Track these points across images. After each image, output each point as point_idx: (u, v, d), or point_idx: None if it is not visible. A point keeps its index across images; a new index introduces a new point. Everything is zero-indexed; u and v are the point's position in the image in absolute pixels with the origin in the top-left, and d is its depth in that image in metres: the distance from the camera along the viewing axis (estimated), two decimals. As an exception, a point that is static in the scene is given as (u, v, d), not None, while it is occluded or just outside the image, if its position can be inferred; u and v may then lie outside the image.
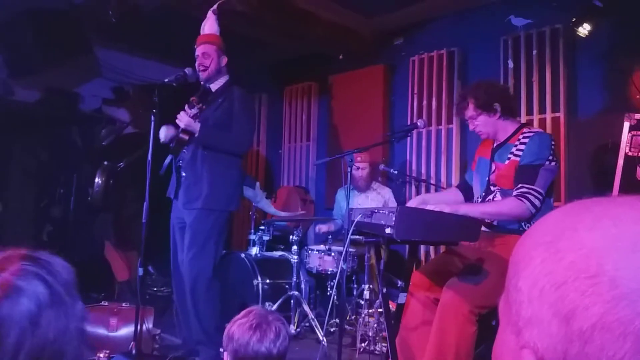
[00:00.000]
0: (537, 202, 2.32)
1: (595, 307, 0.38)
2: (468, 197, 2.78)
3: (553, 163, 2.39)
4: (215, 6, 3.39)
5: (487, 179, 2.60)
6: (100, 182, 4.72)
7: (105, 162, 4.78)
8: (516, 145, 2.48)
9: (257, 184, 4.58)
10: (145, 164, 3.09)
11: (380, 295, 2.47)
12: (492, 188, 2.56)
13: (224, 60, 3.31)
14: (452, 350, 2.20)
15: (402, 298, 2.39)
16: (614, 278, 0.38)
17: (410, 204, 2.65)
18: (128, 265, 4.91)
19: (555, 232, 0.44)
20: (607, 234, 0.40)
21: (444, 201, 2.63)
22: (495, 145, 2.65)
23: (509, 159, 2.49)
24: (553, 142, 2.44)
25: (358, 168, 4.33)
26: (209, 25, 3.35)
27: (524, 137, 2.48)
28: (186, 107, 3.20)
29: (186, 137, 3.16)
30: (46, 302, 0.76)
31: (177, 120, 3.16)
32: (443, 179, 4.67)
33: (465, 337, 2.21)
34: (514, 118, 2.64)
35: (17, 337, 0.72)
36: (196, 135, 3.13)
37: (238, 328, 1.59)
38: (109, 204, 4.81)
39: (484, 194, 2.61)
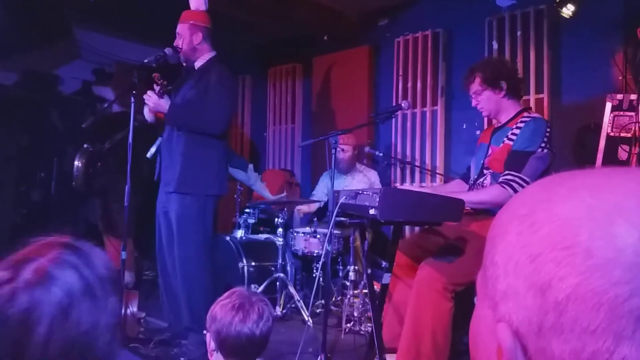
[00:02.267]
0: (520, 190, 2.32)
1: (569, 278, 0.38)
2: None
3: (545, 151, 2.37)
4: None
5: (482, 162, 2.60)
6: (80, 165, 4.63)
7: (85, 145, 4.68)
8: (512, 129, 2.48)
9: (251, 166, 4.48)
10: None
11: (364, 276, 2.48)
12: (484, 171, 2.56)
13: (198, 37, 3.14)
14: (428, 326, 2.23)
15: (386, 278, 2.40)
16: (589, 248, 0.38)
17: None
18: (118, 251, 4.85)
19: (531, 204, 0.43)
20: (582, 205, 0.40)
21: (444, 191, 2.63)
22: (494, 128, 2.65)
23: (503, 142, 2.48)
24: (549, 129, 2.41)
25: (342, 150, 4.32)
26: (193, 1, 3.25)
27: (521, 122, 2.47)
28: (154, 86, 3.06)
29: (161, 117, 3.10)
30: (78, 294, 0.75)
31: (145, 101, 3.06)
32: (428, 160, 4.69)
33: (441, 313, 2.23)
34: (518, 100, 2.63)
35: (48, 326, 0.71)
36: (165, 114, 3.03)
37: (221, 309, 1.59)
38: (94, 188, 4.72)
39: (476, 177, 2.62)
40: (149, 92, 3.04)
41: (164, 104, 3.02)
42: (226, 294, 1.67)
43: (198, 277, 3.07)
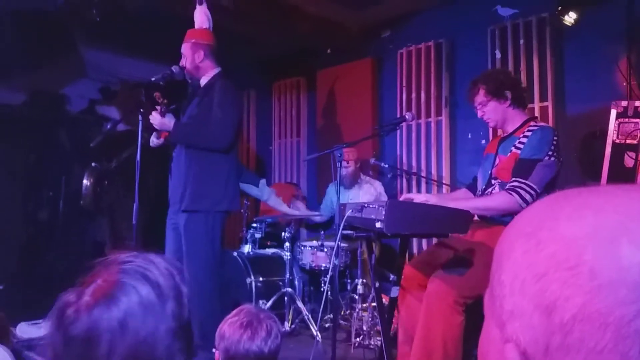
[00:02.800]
0: (527, 197, 2.31)
1: (575, 298, 0.38)
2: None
3: (552, 159, 2.36)
4: None
5: (489, 172, 2.60)
6: (88, 184, 4.66)
7: (93, 164, 4.71)
8: (519, 138, 2.48)
9: (262, 181, 4.44)
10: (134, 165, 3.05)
11: (373, 290, 2.46)
12: (492, 181, 2.56)
13: (199, 56, 3.16)
14: (438, 340, 2.21)
15: (394, 292, 2.39)
16: (594, 268, 0.37)
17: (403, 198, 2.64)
18: None
19: (536, 222, 0.43)
20: (586, 224, 0.40)
21: (449, 199, 2.62)
22: (501, 137, 2.65)
23: (511, 151, 2.48)
24: (556, 138, 2.40)
25: (344, 166, 4.30)
26: (197, 19, 3.28)
27: (528, 131, 2.47)
28: (157, 106, 3.09)
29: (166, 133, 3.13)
30: (135, 308, 0.79)
31: (151, 121, 3.08)
32: (434, 171, 4.68)
33: (451, 327, 2.21)
34: (523, 109, 2.63)
35: (108, 342, 0.77)
36: (170, 133, 3.05)
37: (229, 327, 1.59)
38: (101, 206, 4.74)
39: (484, 186, 2.61)
40: (153, 113, 3.06)
41: (168, 122, 3.04)
42: (234, 311, 1.67)
43: (206, 294, 3.05)
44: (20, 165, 5.25)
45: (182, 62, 3.19)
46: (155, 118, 3.05)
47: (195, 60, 3.17)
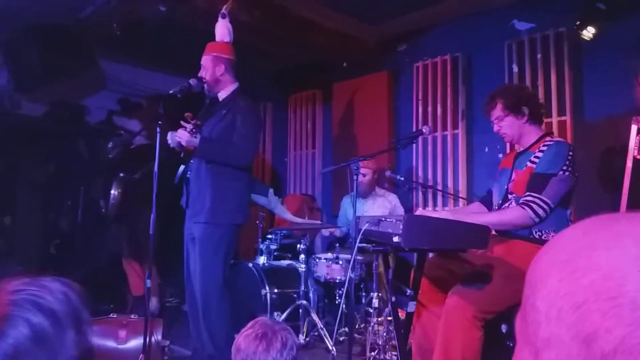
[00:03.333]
0: (540, 212, 2.30)
1: (616, 329, 0.37)
2: (491, 209, 2.76)
3: (567, 173, 2.35)
4: (223, 9, 3.37)
5: (505, 187, 2.59)
6: (116, 193, 4.74)
7: (121, 174, 4.79)
8: (535, 153, 2.47)
9: (271, 190, 4.52)
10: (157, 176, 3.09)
11: (389, 304, 2.45)
12: (509, 196, 2.55)
13: (220, 69, 3.23)
14: (458, 355, 2.19)
15: (411, 307, 2.38)
16: (635, 300, 0.37)
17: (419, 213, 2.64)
18: (141, 278, 4.88)
19: (573, 250, 0.43)
20: (627, 254, 0.39)
21: (463, 214, 2.61)
22: (517, 152, 2.64)
23: (526, 165, 2.48)
24: (571, 153, 2.39)
25: (362, 174, 4.31)
26: (218, 32, 3.34)
27: (544, 146, 2.47)
28: (182, 123, 3.14)
29: (192, 148, 3.16)
30: (26, 343, 0.71)
31: (177, 137, 3.14)
32: (450, 184, 4.66)
33: (470, 342, 2.19)
34: (540, 125, 2.62)
35: None
36: (196, 149, 3.10)
37: (244, 339, 1.59)
38: (124, 216, 4.80)
39: (500, 201, 2.60)
40: (180, 131, 3.10)
41: (196, 140, 3.08)
42: (249, 324, 1.67)
43: (218, 304, 3.10)
44: (40, 175, 5.33)
45: (202, 74, 3.24)
46: (183, 135, 3.09)
47: (216, 73, 3.24)
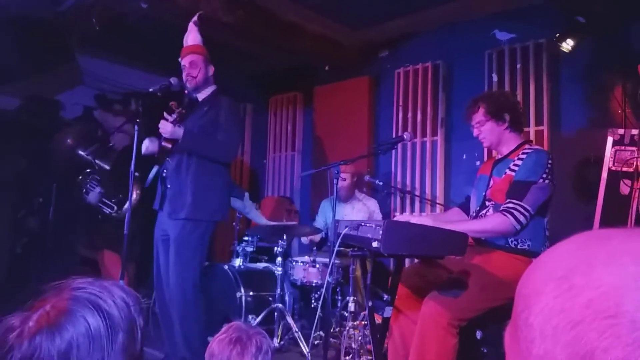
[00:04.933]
0: (522, 219, 2.32)
1: (615, 350, 0.36)
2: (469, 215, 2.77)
3: (547, 181, 2.37)
4: (195, 17, 3.40)
5: (483, 193, 2.60)
6: (136, 195, 4.67)
7: (137, 174, 4.74)
8: (514, 161, 2.49)
9: (246, 194, 4.51)
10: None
11: (366, 309, 2.44)
12: (487, 203, 2.56)
13: (211, 69, 3.31)
14: None
15: (387, 312, 2.37)
16: (635, 320, 0.36)
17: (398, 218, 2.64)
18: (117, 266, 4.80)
19: (569, 266, 0.42)
20: (626, 272, 0.38)
21: (444, 221, 2.62)
22: (496, 159, 2.66)
23: (505, 173, 2.49)
24: (550, 161, 2.42)
25: (341, 178, 4.31)
26: (192, 37, 3.35)
27: (522, 153, 2.48)
28: (165, 114, 3.12)
29: (169, 146, 3.11)
30: (81, 338, 0.75)
31: (160, 130, 3.10)
32: (428, 190, 4.69)
33: (445, 348, 2.20)
34: (519, 132, 2.64)
35: None
36: (179, 141, 3.07)
37: (218, 344, 1.56)
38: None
39: (478, 208, 2.61)
40: (163, 122, 3.06)
41: (179, 131, 3.05)
42: (223, 328, 1.64)
43: (193, 303, 3.07)
44: (11, 171, 5.19)
45: (192, 72, 3.23)
46: (166, 126, 3.06)
47: (208, 73, 3.30)
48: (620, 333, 0.36)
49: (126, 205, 4.69)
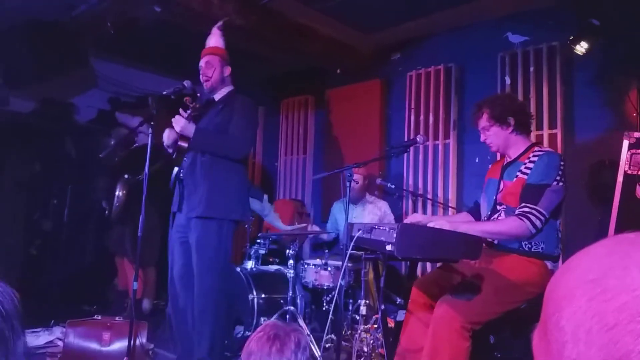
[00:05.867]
0: (538, 223, 2.30)
1: None
2: (478, 219, 2.75)
3: (560, 184, 2.35)
4: (220, 22, 3.42)
5: (494, 197, 2.58)
6: (121, 195, 4.69)
7: (126, 176, 4.75)
8: (525, 164, 2.47)
9: (265, 196, 4.48)
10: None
11: (379, 313, 2.44)
12: (498, 207, 2.54)
13: (227, 70, 3.31)
14: None
15: (400, 315, 2.37)
16: None
17: (409, 219, 2.63)
18: (144, 281, 4.81)
19: (601, 269, 0.42)
20: None
21: (458, 222, 2.60)
22: (505, 163, 2.64)
23: (516, 176, 2.47)
24: (562, 163, 2.40)
25: (355, 181, 4.31)
26: (214, 40, 3.36)
27: (533, 156, 2.46)
28: (180, 110, 3.14)
29: (185, 145, 3.13)
30: None
31: (173, 123, 3.10)
32: (440, 193, 4.67)
33: (458, 352, 2.19)
34: (527, 135, 2.62)
35: None
36: (191, 138, 3.07)
37: (256, 342, 1.55)
38: (128, 216, 4.75)
39: (489, 212, 2.59)
40: (177, 117, 3.09)
41: (191, 127, 3.06)
42: (259, 328, 1.64)
43: (217, 307, 3.04)
44: (26, 173, 5.25)
45: (208, 73, 3.25)
46: (179, 121, 3.07)
47: (224, 73, 3.30)
48: None
49: (115, 205, 4.74)
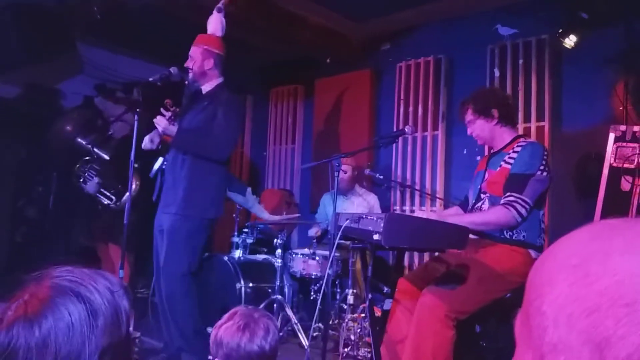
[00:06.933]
0: (523, 211, 2.34)
1: (631, 336, 0.37)
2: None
3: (544, 174, 2.40)
4: (220, 3, 3.31)
5: (479, 187, 2.62)
6: (135, 186, 4.63)
7: (136, 165, 4.71)
8: (509, 154, 2.50)
9: (249, 189, 4.48)
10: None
11: (366, 302, 2.45)
12: (482, 195, 2.58)
13: (209, 63, 3.18)
14: (428, 354, 2.21)
15: (387, 304, 2.38)
16: None
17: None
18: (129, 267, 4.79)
19: (583, 254, 0.42)
20: None
21: (449, 215, 2.64)
22: (490, 154, 2.68)
23: (500, 166, 2.51)
24: (546, 153, 2.45)
25: (342, 170, 4.31)
26: (212, 27, 3.29)
27: (517, 146, 2.50)
28: (162, 110, 3.10)
29: (168, 138, 3.12)
30: (60, 326, 0.75)
31: (155, 123, 3.08)
32: (428, 184, 4.69)
33: (441, 341, 2.21)
34: (512, 126, 2.67)
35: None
36: (172, 139, 3.06)
37: (225, 332, 1.56)
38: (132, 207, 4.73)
39: (474, 201, 2.63)
40: (159, 117, 3.05)
41: (173, 129, 3.05)
42: (226, 316, 1.64)
43: (182, 296, 3.07)
44: (11, 159, 5.18)
45: (189, 64, 3.19)
46: (161, 122, 3.04)
47: (205, 66, 3.19)
48: (637, 320, 0.37)
49: (125, 196, 4.70)
